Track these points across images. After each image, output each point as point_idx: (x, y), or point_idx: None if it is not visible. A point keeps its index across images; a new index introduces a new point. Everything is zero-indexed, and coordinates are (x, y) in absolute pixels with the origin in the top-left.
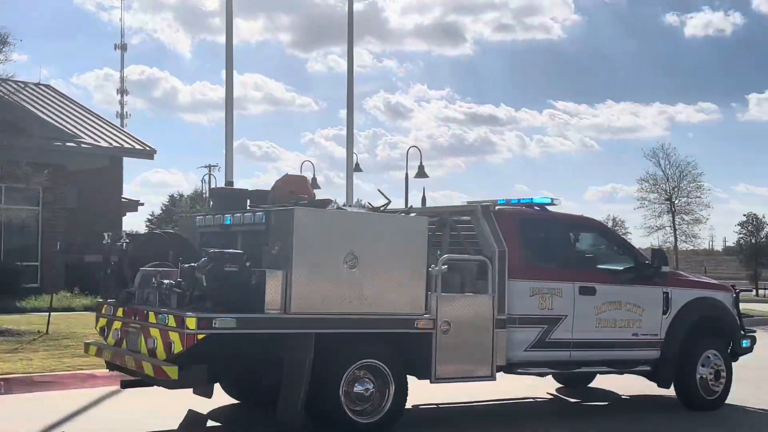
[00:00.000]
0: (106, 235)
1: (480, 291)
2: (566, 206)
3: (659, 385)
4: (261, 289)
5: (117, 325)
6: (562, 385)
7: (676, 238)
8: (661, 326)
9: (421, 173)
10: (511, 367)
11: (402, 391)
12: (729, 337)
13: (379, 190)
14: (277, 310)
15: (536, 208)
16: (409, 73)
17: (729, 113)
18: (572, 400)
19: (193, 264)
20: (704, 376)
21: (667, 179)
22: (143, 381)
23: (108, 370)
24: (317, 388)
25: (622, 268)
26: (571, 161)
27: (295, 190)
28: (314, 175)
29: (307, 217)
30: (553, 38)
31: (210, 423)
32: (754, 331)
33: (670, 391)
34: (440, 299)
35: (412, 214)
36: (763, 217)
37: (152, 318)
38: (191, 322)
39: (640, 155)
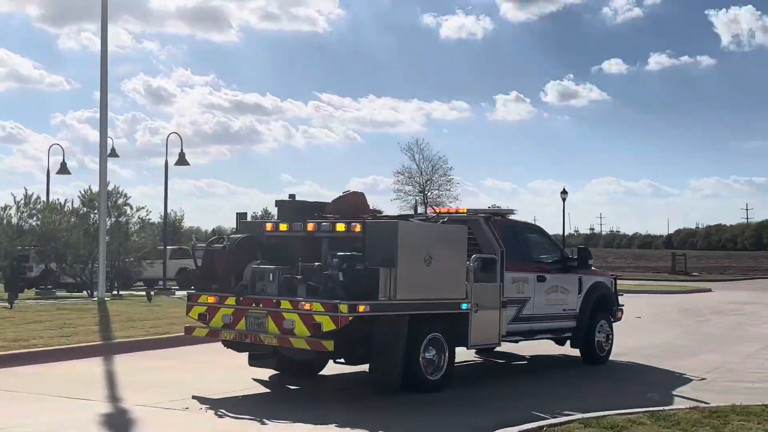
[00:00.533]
0: (194, 237)
1: (488, 281)
2: (332, 197)
3: (572, 346)
4: (376, 282)
5: (227, 311)
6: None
7: None
8: (577, 303)
9: (182, 161)
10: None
11: (452, 356)
12: (611, 309)
13: (432, 208)
14: (386, 298)
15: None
16: (171, 57)
17: (479, 112)
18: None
19: (318, 263)
20: (599, 339)
21: (421, 172)
22: (269, 358)
23: (225, 347)
24: (406, 355)
25: (551, 260)
26: (335, 152)
27: (359, 205)
28: (63, 159)
29: (405, 228)
30: (318, 30)
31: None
32: (622, 305)
33: (566, 350)
34: (473, 287)
35: (441, 221)
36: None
37: (286, 305)
38: (344, 308)
39: (398, 149)
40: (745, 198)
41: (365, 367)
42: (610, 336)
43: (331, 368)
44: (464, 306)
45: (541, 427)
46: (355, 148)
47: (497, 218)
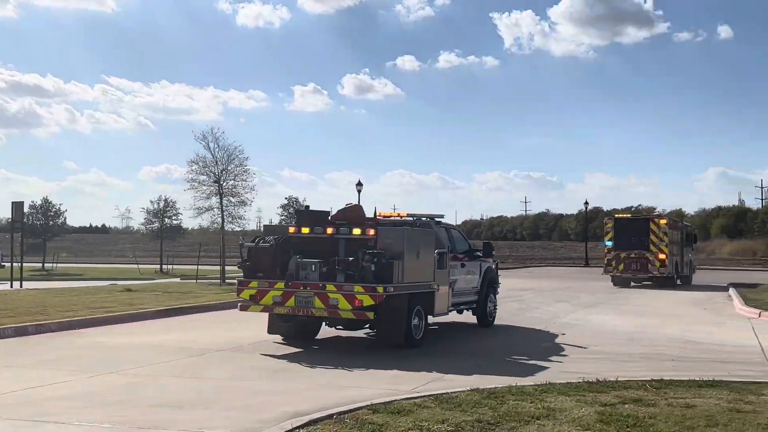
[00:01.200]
0: (241, 237)
1: (441, 268)
2: (122, 186)
3: (473, 314)
4: (391, 271)
5: (276, 293)
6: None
7: (223, 219)
8: (479, 282)
9: None
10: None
11: (427, 323)
12: (495, 287)
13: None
14: (399, 282)
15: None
16: None
17: (277, 102)
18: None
19: (353, 258)
20: (489, 308)
21: (216, 162)
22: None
23: (276, 317)
24: (407, 321)
25: (464, 250)
26: (125, 139)
27: (361, 214)
28: None
29: (407, 232)
30: (106, 10)
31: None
32: (499, 284)
33: (465, 318)
34: (435, 273)
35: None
36: (304, 200)
37: (331, 288)
38: (381, 289)
39: (193, 137)
40: (524, 191)
41: (352, 333)
42: (496, 306)
43: (324, 333)
44: (433, 287)
45: (331, 415)
46: (146, 136)
47: (443, 222)
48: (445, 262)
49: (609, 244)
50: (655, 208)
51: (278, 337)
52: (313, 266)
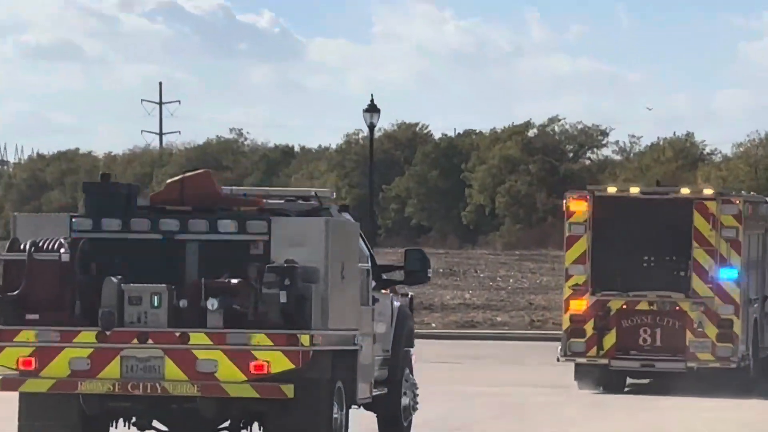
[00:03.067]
0: None
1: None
2: None
3: (372, 409)
4: (308, 306)
5: (78, 352)
6: None
7: None
8: (390, 341)
9: None
10: None
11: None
12: (411, 348)
13: None
14: (319, 327)
15: None
16: None
17: None
18: None
19: (239, 279)
20: (405, 400)
21: None
22: None
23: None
24: None
25: None
26: None
27: (214, 190)
28: None
29: (333, 225)
30: None
31: None
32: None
33: None
34: (360, 313)
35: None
36: None
37: (200, 338)
38: (306, 339)
39: None
40: None
41: None
42: (416, 394)
43: None
44: (357, 340)
45: None
46: None
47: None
48: (369, 290)
49: (576, 271)
50: None
51: None
52: (156, 297)
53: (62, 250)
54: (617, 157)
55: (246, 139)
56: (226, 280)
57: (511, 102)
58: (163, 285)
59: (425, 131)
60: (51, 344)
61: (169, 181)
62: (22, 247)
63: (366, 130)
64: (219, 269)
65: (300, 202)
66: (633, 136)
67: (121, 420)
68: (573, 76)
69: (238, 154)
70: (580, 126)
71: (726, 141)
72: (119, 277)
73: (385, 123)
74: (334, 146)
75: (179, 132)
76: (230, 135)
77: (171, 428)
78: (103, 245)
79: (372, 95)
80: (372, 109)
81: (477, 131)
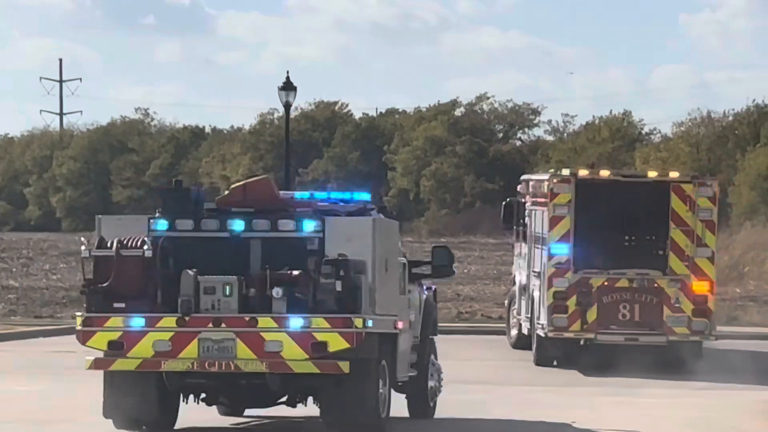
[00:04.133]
0: (81, 239)
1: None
2: None
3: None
4: (359, 294)
5: (161, 335)
6: None
7: None
8: (419, 328)
9: None
10: None
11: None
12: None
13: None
14: (368, 313)
15: None
16: None
17: None
18: None
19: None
20: (432, 383)
21: None
22: None
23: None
24: None
25: None
26: None
27: (274, 194)
28: None
29: (379, 225)
30: None
31: None
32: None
33: None
34: (398, 300)
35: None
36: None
37: (268, 322)
38: (359, 322)
39: None
40: None
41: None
42: (441, 377)
43: None
44: (397, 325)
45: None
46: None
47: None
48: (406, 281)
49: (560, 250)
50: None
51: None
52: (228, 287)
53: (145, 247)
54: (550, 138)
55: (153, 119)
56: (289, 272)
57: (437, 79)
58: (234, 276)
59: (345, 110)
60: (137, 329)
61: (233, 186)
62: (108, 244)
63: (281, 110)
64: (279, 263)
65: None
66: (567, 116)
67: (190, 396)
68: (503, 52)
69: (145, 135)
70: (510, 105)
71: (666, 120)
72: (194, 270)
73: (301, 102)
74: (247, 127)
75: (81, 112)
76: (136, 115)
77: (237, 402)
78: (179, 243)
79: (288, 72)
80: (288, 87)
81: (400, 110)
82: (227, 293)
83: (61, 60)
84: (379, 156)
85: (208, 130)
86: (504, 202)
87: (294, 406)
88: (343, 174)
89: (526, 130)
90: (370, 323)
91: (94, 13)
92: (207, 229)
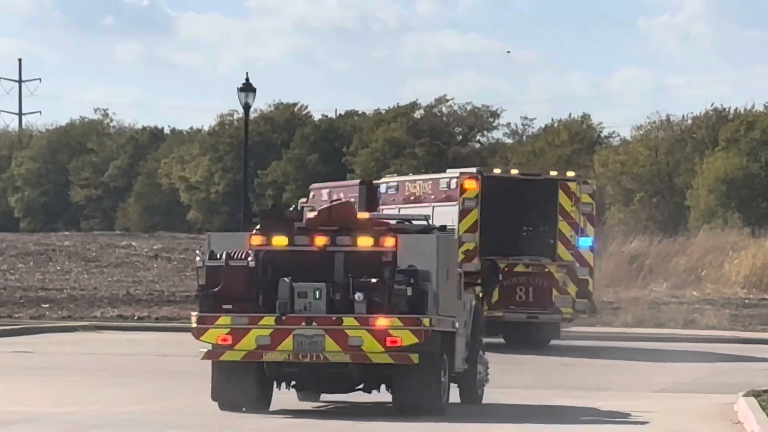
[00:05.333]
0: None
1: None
2: None
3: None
4: (426, 298)
5: (262, 332)
6: None
7: None
8: (469, 328)
9: None
10: None
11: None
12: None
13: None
14: (433, 314)
15: None
16: None
17: None
18: None
19: (377, 279)
20: (480, 373)
21: None
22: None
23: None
24: None
25: None
26: None
27: (354, 217)
28: None
29: (442, 241)
30: None
31: None
32: None
33: None
34: (455, 304)
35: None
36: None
37: (351, 322)
38: (427, 321)
39: None
40: None
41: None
42: (488, 370)
43: None
44: (455, 324)
45: None
46: None
47: None
48: (461, 288)
49: (468, 240)
50: None
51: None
52: (317, 292)
53: (249, 259)
54: (509, 141)
55: (112, 120)
56: (368, 279)
57: (396, 81)
58: (322, 283)
59: (304, 112)
60: (242, 326)
61: (320, 208)
62: (218, 256)
63: (241, 111)
64: (360, 272)
65: (407, 223)
66: (526, 118)
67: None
68: (462, 54)
69: (104, 136)
70: (469, 107)
71: (625, 123)
72: (289, 277)
73: (261, 103)
74: (206, 128)
75: (40, 112)
76: (95, 116)
77: (322, 388)
78: (276, 255)
79: (247, 74)
80: (247, 88)
81: (359, 112)
82: (317, 297)
83: (20, 60)
84: (338, 158)
85: (167, 131)
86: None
87: (369, 392)
88: (302, 175)
89: (485, 132)
90: (434, 322)
91: (53, 14)
92: (299, 243)
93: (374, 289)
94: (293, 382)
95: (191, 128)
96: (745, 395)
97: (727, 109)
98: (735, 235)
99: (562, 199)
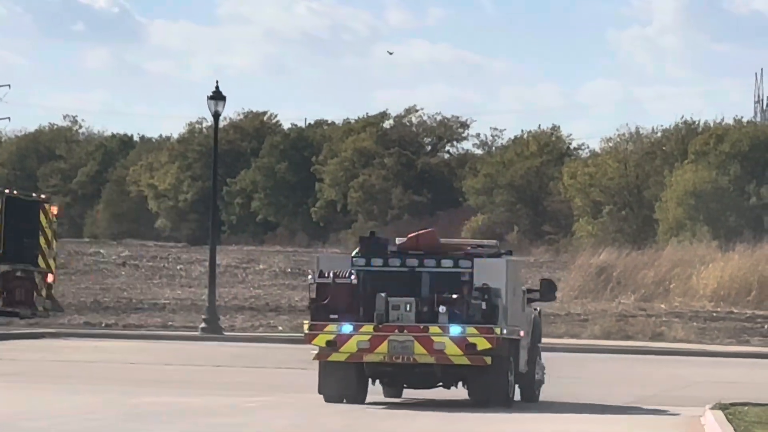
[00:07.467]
0: (311, 271)
1: (523, 310)
2: None
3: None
4: (497, 311)
5: (362, 337)
6: None
7: None
8: (529, 336)
9: None
10: None
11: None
12: (540, 344)
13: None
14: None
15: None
16: None
17: None
18: None
19: (456, 294)
20: (538, 375)
21: None
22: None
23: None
24: None
25: None
26: None
27: (437, 243)
28: None
29: (511, 264)
30: None
31: None
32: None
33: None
34: (520, 316)
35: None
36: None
37: (435, 330)
38: (498, 330)
39: None
40: None
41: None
42: (545, 372)
43: None
44: (520, 333)
45: None
46: None
47: None
48: (525, 302)
49: None
50: None
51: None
52: (408, 305)
53: (352, 277)
54: (478, 151)
55: (81, 127)
56: (450, 295)
57: (366, 91)
58: (412, 298)
59: (274, 121)
60: (346, 333)
61: (409, 235)
62: (326, 274)
63: (210, 119)
64: (442, 289)
65: (480, 248)
66: (495, 129)
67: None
68: (432, 64)
69: (72, 142)
70: (439, 117)
71: (594, 135)
72: (385, 293)
73: (230, 111)
74: (176, 136)
75: (9, 119)
76: (64, 122)
77: (410, 385)
78: (373, 274)
79: (217, 82)
80: (217, 96)
81: (329, 122)
82: (408, 309)
83: None
84: (307, 167)
85: (136, 138)
86: None
87: (449, 388)
88: (270, 184)
89: (454, 143)
90: (504, 331)
91: (23, 19)
92: (392, 265)
93: (454, 303)
94: (386, 379)
95: (160, 136)
96: (712, 408)
97: (696, 122)
98: (703, 249)
99: (42, 217)
